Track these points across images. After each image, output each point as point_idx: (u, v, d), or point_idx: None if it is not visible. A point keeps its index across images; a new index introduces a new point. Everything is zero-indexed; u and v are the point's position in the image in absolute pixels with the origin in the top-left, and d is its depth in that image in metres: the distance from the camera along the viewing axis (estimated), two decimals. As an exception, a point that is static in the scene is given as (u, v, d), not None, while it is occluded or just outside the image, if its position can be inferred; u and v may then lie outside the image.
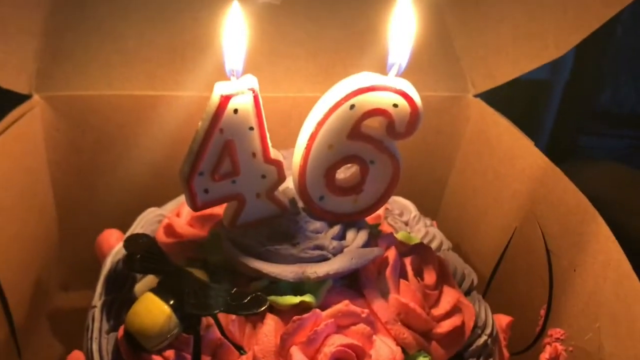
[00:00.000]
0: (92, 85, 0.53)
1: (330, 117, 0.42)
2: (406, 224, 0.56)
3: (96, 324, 0.45)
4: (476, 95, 0.59)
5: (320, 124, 0.42)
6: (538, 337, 0.53)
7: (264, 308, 0.40)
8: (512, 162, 0.56)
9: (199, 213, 0.49)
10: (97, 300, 0.47)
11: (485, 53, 0.59)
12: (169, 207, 0.55)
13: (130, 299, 0.43)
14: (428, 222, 0.57)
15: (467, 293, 0.51)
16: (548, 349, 0.49)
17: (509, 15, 0.59)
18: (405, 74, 0.42)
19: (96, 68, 0.54)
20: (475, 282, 0.51)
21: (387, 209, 0.56)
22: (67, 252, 0.63)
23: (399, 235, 0.51)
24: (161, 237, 0.49)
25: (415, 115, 0.43)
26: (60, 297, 0.65)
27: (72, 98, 0.53)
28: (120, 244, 0.50)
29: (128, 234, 0.52)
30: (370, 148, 0.44)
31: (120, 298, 0.46)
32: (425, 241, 0.53)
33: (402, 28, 0.42)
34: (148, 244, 0.45)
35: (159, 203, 0.56)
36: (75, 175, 0.58)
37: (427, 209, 0.60)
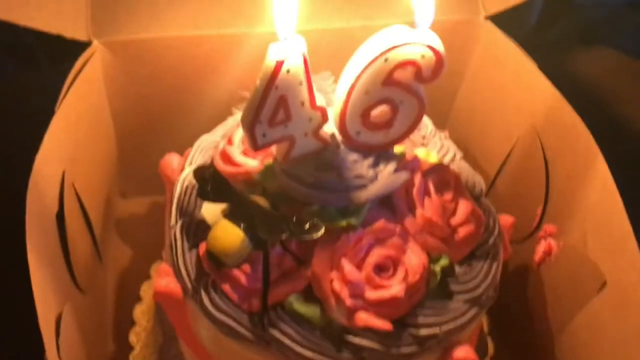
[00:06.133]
0: (141, 29, 0.59)
1: (367, 70, 0.50)
2: (423, 137, 0.65)
3: (178, 243, 0.54)
4: (487, 17, 0.65)
5: (358, 77, 0.50)
6: (534, 231, 0.64)
7: (320, 233, 0.50)
8: (517, 81, 0.64)
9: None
10: (175, 222, 0.56)
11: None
12: (219, 132, 0.63)
13: (201, 221, 0.54)
14: (442, 135, 0.65)
15: (476, 198, 0.61)
16: (542, 243, 0.60)
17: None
18: None
19: (144, 11, 0.59)
20: (484, 189, 0.61)
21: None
22: (124, 165, 0.72)
23: (419, 153, 0.60)
24: (219, 164, 0.58)
25: (439, 63, 0.50)
26: (120, 204, 0.76)
27: (126, 42, 0.59)
28: (185, 172, 0.59)
29: (189, 160, 0.60)
30: (400, 91, 0.52)
31: (194, 220, 0.55)
32: (440, 154, 0.62)
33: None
34: (214, 175, 0.54)
35: (205, 124, 0.64)
36: (131, 103, 0.65)
37: (439, 114, 0.68)
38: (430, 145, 0.64)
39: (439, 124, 0.66)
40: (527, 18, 1.01)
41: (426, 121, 0.66)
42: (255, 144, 0.51)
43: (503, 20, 0.66)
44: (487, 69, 0.66)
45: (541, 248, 0.61)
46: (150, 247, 0.72)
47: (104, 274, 0.68)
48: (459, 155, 0.64)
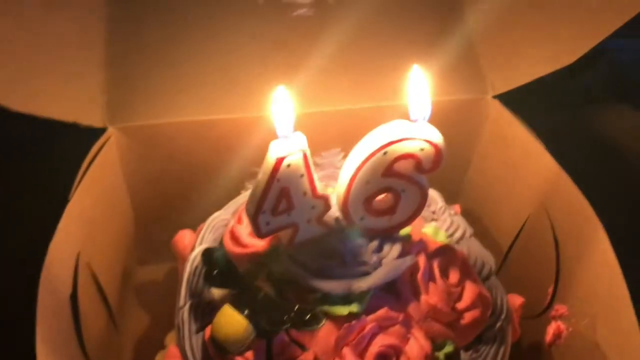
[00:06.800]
0: (155, 114, 0.61)
1: (367, 163, 0.51)
2: (433, 212, 0.65)
3: (186, 325, 0.56)
4: (495, 97, 0.66)
5: (359, 169, 0.51)
6: (546, 309, 0.63)
7: (321, 325, 0.50)
8: (526, 159, 0.64)
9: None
10: (183, 303, 0.57)
11: (505, 55, 0.65)
12: (230, 209, 0.64)
13: (209, 302, 0.55)
14: (452, 211, 0.66)
15: (485, 278, 0.60)
16: (553, 324, 0.60)
17: (527, 18, 0.64)
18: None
19: (157, 96, 0.62)
20: (493, 268, 0.61)
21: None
22: (141, 236, 0.74)
23: (428, 230, 0.60)
24: (228, 243, 0.59)
25: (438, 155, 0.51)
26: (139, 271, 0.78)
27: (141, 127, 0.62)
28: (195, 252, 0.61)
29: (199, 238, 0.62)
30: (401, 181, 0.53)
31: (202, 302, 0.57)
32: (450, 231, 0.62)
33: (419, 93, 0.49)
34: (222, 260, 0.56)
35: (219, 200, 0.66)
36: (147, 181, 0.68)
37: (451, 187, 0.68)
38: (439, 222, 0.64)
39: (451, 197, 0.66)
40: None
41: (436, 197, 0.66)
42: (259, 232, 0.53)
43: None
44: (496, 147, 0.67)
45: (551, 329, 0.60)
46: (166, 315, 0.74)
47: (120, 342, 0.69)
48: (469, 232, 0.64)
